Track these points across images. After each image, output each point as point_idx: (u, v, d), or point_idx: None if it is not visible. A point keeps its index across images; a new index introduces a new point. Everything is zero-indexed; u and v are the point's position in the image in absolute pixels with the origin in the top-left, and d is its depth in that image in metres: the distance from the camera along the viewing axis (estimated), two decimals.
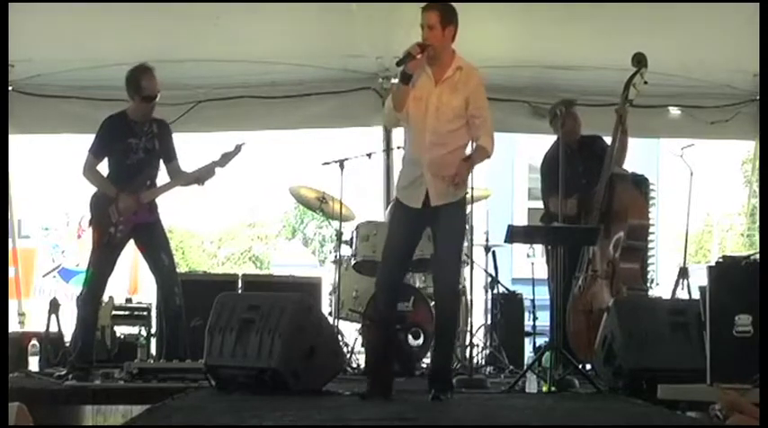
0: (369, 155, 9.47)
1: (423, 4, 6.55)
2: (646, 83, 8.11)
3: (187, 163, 8.05)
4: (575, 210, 8.17)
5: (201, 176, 7.92)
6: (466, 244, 9.06)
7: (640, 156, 14.03)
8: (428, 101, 6.54)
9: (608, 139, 8.35)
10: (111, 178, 7.85)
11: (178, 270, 8.36)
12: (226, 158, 7.90)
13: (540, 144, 9.81)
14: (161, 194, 7.91)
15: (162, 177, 8.03)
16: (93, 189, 7.82)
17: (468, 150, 6.68)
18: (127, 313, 9.14)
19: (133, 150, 7.79)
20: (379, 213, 10.15)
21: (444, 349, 6.86)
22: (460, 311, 9.19)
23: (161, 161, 7.95)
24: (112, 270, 7.91)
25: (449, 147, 6.57)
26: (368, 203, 11.93)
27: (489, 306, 9.46)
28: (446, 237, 6.65)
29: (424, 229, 6.83)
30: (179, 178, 7.95)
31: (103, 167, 7.92)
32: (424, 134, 6.56)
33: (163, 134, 7.93)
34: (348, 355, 8.77)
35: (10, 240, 10.15)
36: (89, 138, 7.94)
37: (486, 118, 6.62)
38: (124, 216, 7.72)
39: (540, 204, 9.08)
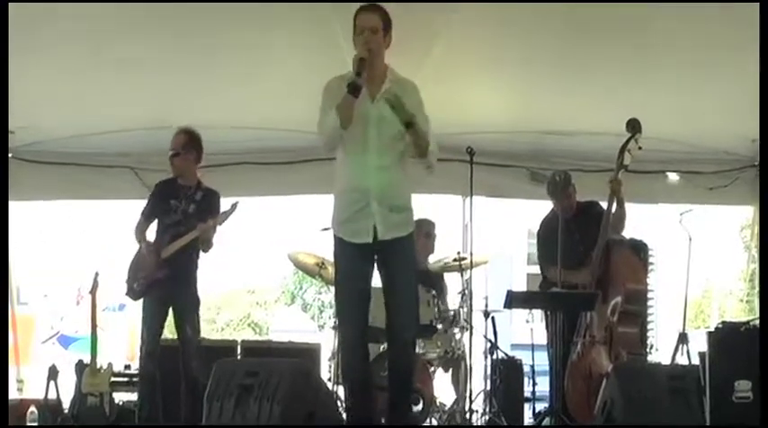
0: None
1: (360, 5, 5.82)
2: (640, 148, 8.12)
3: None
4: (589, 279, 8.11)
5: (204, 234, 7.97)
6: (464, 309, 9.07)
7: (639, 221, 14.03)
8: (366, 119, 5.76)
9: (604, 204, 8.36)
10: (156, 237, 8.12)
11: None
12: (223, 217, 8.02)
13: (538, 210, 9.82)
14: (176, 249, 7.99)
15: None
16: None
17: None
18: (125, 380, 9.10)
19: (173, 210, 8.08)
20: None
21: (400, 409, 6.10)
22: (461, 376, 9.17)
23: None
24: (159, 323, 8.05)
25: (393, 169, 5.89)
26: None
27: (489, 371, 9.41)
28: (400, 279, 6.00)
29: (373, 265, 6.09)
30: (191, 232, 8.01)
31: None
32: (365, 157, 5.83)
33: (205, 202, 8.10)
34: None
35: (9, 306, 10.10)
36: (89, 204, 8.04)
37: (430, 132, 5.85)
38: (144, 271, 8.00)
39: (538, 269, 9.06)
